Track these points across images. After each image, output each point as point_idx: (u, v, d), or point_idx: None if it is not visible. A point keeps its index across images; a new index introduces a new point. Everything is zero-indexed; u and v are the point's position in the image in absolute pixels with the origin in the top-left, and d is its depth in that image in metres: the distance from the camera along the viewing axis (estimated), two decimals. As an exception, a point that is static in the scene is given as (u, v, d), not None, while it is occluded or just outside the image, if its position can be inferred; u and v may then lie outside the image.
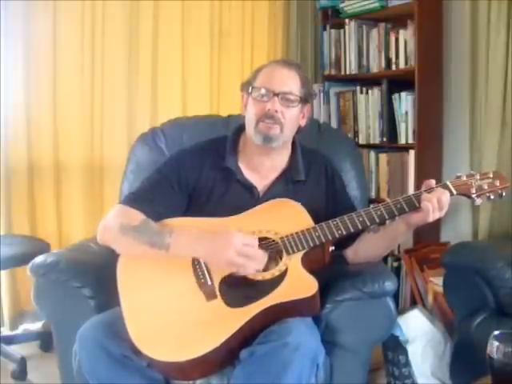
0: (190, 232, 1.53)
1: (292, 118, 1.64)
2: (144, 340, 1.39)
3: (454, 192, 1.56)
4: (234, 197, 1.67)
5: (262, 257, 1.48)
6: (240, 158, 1.71)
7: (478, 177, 1.58)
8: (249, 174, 1.70)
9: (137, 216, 1.56)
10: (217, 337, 1.39)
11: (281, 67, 1.66)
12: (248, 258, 1.45)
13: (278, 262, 1.52)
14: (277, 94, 1.60)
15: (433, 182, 1.56)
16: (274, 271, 1.50)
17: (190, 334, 1.41)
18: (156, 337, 1.41)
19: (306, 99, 1.67)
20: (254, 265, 1.46)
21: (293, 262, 1.52)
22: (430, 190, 1.54)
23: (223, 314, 1.44)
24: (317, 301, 1.49)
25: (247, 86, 1.68)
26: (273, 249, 1.55)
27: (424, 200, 1.51)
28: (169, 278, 1.50)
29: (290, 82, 1.63)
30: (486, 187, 1.57)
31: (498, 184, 1.57)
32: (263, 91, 1.62)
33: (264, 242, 1.56)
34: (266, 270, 1.51)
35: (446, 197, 1.51)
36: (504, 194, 1.58)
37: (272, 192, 1.69)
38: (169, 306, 1.46)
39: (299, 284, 1.48)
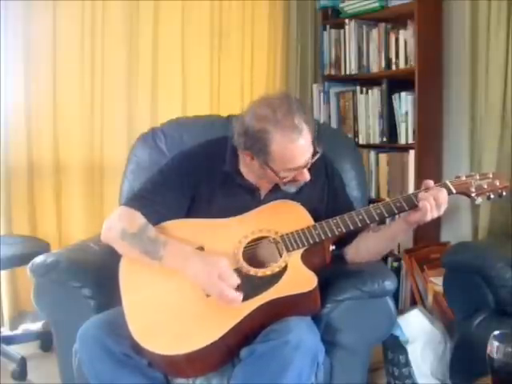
0: (182, 250, 1.52)
1: None
2: (144, 335, 1.40)
3: (454, 191, 1.56)
4: (237, 199, 1.67)
5: (235, 299, 1.43)
6: (241, 161, 1.70)
7: (478, 177, 1.58)
8: (250, 177, 1.69)
9: (137, 221, 1.56)
10: (215, 331, 1.40)
11: (294, 140, 1.52)
12: (219, 296, 1.44)
13: (278, 259, 1.53)
14: (304, 166, 1.58)
15: (431, 182, 1.56)
16: (274, 267, 1.51)
17: (189, 329, 1.42)
18: (156, 331, 1.42)
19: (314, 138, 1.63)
20: (221, 303, 1.44)
21: (292, 259, 1.52)
22: (427, 189, 1.55)
23: (222, 309, 1.44)
24: (317, 296, 1.50)
25: (255, 152, 1.57)
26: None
27: (422, 199, 1.51)
28: (169, 275, 1.50)
29: (308, 146, 1.57)
30: (485, 186, 1.57)
31: (497, 184, 1.57)
32: (291, 171, 1.57)
33: (264, 241, 1.57)
34: (266, 266, 1.52)
35: (443, 195, 1.52)
36: (504, 193, 1.58)
37: (274, 195, 1.68)
38: (169, 301, 1.47)
39: (299, 279, 1.49)
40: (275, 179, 1.61)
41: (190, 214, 1.67)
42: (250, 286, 1.46)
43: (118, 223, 1.58)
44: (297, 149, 1.54)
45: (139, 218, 1.57)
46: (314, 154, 1.60)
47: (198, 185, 1.67)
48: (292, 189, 1.65)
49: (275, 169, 1.57)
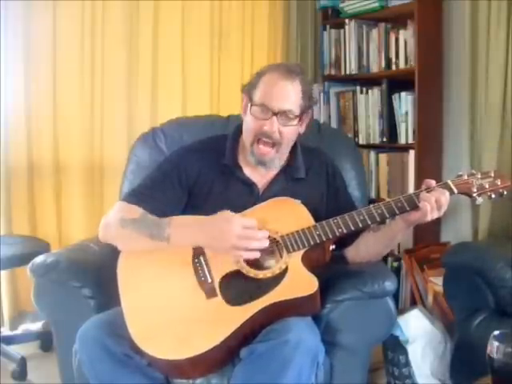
0: (188, 221, 1.55)
1: (290, 133, 1.63)
2: (144, 338, 1.39)
3: (455, 191, 1.55)
4: (234, 194, 1.67)
5: (264, 236, 1.47)
6: (240, 155, 1.72)
7: (479, 176, 1.58)
8: (249, 172, 1.70)
9: (136, 210, 1.57)
10: (217, 335, 1.39)
11: (282, 79, 1.59)
12: (250, 240, 1.45)
13: (279, 261, 1.52)
14: (276, 114, 1.58)
15: (433, 181, 1.56)
16: (275, 269, 1.50)
17: (190, 333, 1.41)
18: (156, 335, 1.41)
19: (306, 111, 1.65)
20: (257, 245, 1.46)
21: (293, 261, 1.52)
22: (429, 189, 1.54)
23: (223, 312, 1.44)
24: (317, 299, 1.49)
25: (248, 89, 1.65)
26: (272, 246, 1.55)
27: (422, 200, 1.51)
28: (169, 277, 1.50)
29: (291, 97, 1.59)
30: (487, 186, 1.56)
31: (499, 183, 1.57)
32: (262, 108, 1.59)
33: None
34: (266, 268, 1.51)
35: (444, 197, 1.51)
36: (505, 193, 1.58)
37: (272, 189, 1.69)
38: (169, 304, 1.47)
39: (300, 282, 1.48)
40: (253, 131, 1.61)
41: (188, 206, 1.67)
42: (250, 288, 1.46)
43: (115, 216, 1.58)
44: (278, 86, 1.58)
45: (138, 209, 1.58)
46: (300, 116, 1.63)
47: (197, 179, 1.68)
48: (253, 160, 1.65)
49: (254, 100, 1.60)
